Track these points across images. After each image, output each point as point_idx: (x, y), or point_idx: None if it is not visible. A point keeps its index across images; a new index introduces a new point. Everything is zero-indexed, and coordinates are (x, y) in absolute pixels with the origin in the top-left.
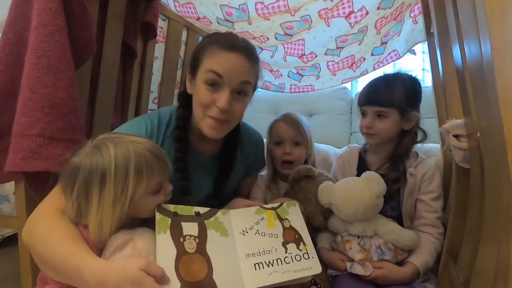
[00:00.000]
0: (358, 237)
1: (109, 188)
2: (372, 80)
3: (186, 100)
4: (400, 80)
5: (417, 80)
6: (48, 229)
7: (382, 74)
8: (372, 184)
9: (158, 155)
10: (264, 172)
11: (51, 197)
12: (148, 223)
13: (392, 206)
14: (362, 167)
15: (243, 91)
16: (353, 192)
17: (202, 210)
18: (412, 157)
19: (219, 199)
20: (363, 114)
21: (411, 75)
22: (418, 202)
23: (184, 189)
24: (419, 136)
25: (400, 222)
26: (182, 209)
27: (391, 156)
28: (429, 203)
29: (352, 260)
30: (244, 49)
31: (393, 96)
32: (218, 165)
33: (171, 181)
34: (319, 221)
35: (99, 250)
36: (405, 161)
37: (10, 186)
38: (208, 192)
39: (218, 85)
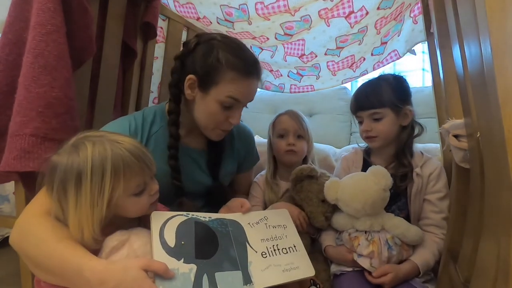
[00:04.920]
0: (366, 232)
1: (85, 189)
2: (358, 87)
3: (177, 94)
4: (385, 80)
5: (401, 77)
6: (41, 232)
7: (366, 80)
8: (379, 178)
9: (138, 155)
10: (264, 171)
11: (39, 198)
12: (145, 222)
13: (400, 206)
14: (367, 168)
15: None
16: (361, 186)
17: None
18: (418, 157)
19: (216, 194)
20: (360, 121)
21: (394, 74)
22: (424, 202)
23: (178, 189)
24: (416, 130)
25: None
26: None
27: (395, 155)
28: (436, 203)
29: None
30: (257, 72)
31: (382, 96)
32: (207, 158)
33: (165, 181)
34: (321, 221)
35: (92, 250)
36: (409, 156)
37: (10, 186)
38: (205, 187)
39: (233, 106)
